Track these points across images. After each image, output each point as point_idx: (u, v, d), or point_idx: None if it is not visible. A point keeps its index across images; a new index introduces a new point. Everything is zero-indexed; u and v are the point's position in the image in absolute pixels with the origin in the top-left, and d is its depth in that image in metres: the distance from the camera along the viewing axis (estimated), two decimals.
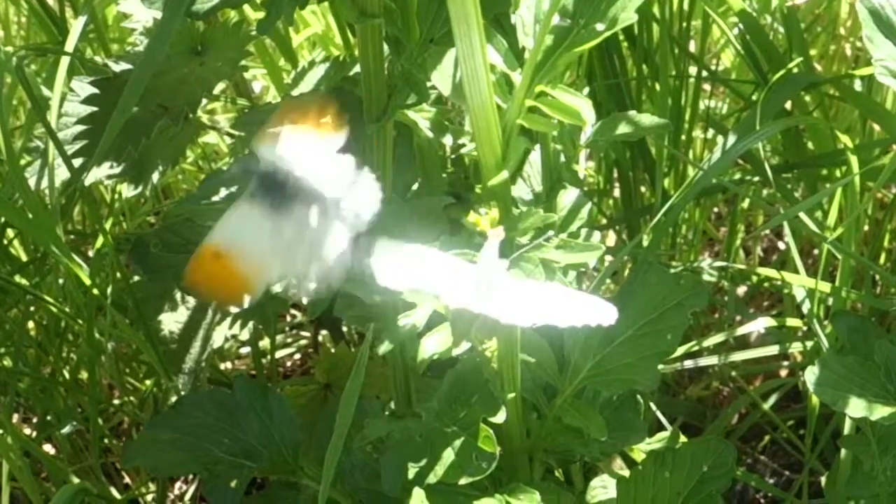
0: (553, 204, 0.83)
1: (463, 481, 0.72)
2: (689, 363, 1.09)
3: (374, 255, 0.63)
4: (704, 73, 1.19)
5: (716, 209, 1.40)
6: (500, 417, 0.73)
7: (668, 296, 0.78)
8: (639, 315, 0.79)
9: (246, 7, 1.11)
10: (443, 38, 0.74)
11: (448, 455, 0.73)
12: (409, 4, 0.73)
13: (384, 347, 0.73)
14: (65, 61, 0.94)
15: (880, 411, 0.76)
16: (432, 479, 0.73)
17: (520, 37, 0.68)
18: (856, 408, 0.75)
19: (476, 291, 0.62)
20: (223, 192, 0.77)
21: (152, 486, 1.16)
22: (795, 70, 1.02)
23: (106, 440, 1.16)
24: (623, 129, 0.81)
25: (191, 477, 1.19)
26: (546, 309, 0.62)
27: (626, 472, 0.88)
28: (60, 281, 1.10)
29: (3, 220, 0.99)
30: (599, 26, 0.64)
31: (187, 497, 1.17)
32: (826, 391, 0.76)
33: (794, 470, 1.18)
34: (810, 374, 0.77)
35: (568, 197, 0.85)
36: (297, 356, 1.32)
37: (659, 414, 1.05)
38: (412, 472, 0.74)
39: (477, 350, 0.75)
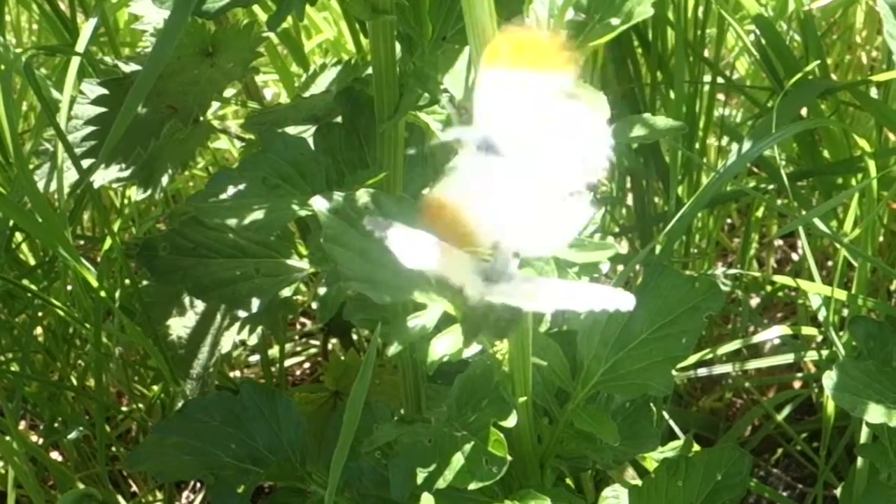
0: None
1: (472, 486, 0.71)
2: (702, 371, 1.08)
3: (391, 238, 0.61)
4: (719, 80, 1.18)
5: (729, 220, 1.39)
6: (510, 421, 0.72)
7: (683, 299, 0.77)
8: (653, 319, 0.77)
9: (257, 9, 1.10)
10: (455, 35, 0.73)
11: (458, 460, 0.72)
12: (422, 1, 0.73)
13: (393, 349, 0.72)
14: (75, 62, 0.93)
15: None
16: (441, 484, 0.71)
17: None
18: (874, 414, 0.74)
19: (491, 285, 0.61)
20: (231, 190, 0.77)
21: (159, 495, 1.15)
22: (811, 76, 1.02)
23: (113, 447, 1.15)
24: (638, 131, 0.80)
25: (198, 486, 1.18)
26: (565, 296, 0.60)
27: (638, 482, 0.87)
28: (69, 288, 1.10)
29: (11, 223, 0.98)
30: (614, 21, 0.63)
31: None
32: (844, 396, 0.75)
33: (807, 483, 1.17)
34: (828, 379, 0.76)
35: None
36: (307, 365, 1.31)
37: (672, 424, 1.04)
38: (421, 477, 0.73)
39: (488, 353, 0.73)
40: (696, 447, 0.92)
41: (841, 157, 1.11)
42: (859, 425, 0.92)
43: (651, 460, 0.91)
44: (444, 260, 0.61)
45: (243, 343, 1.03)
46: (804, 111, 1.06)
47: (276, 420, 0.87)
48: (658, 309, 0.77)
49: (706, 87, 1.15)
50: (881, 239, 1.21)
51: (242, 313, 0.93)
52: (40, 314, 1.11)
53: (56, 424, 1.11)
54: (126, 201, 1.19)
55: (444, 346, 0.70)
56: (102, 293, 0.94)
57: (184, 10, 0.72)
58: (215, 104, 1.03)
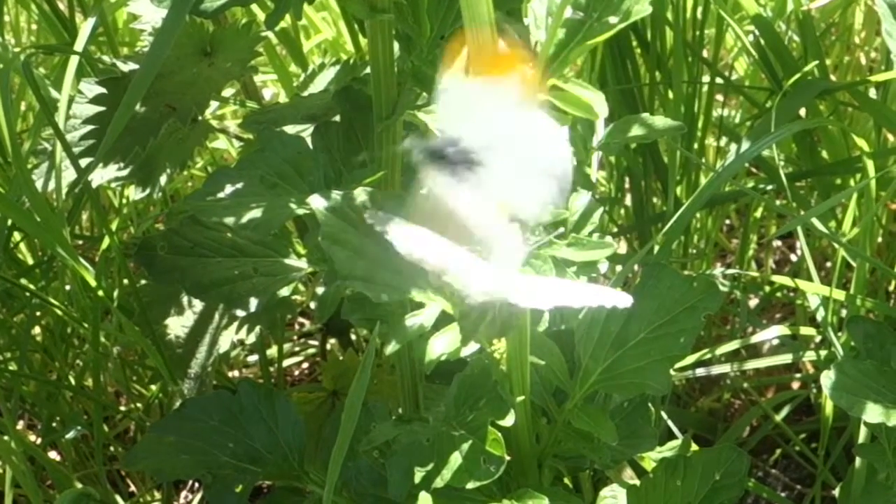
0: (564, 206, 0.82)
1: (470, 486, 0.71)
2: (700, 372, 1.08)
3: (392, 231, 0.61)
4: (718, 80, 1.18)
5: (727, 220, 1.39)
6: (508, 421, 0.72)
7: (681, 299, 0.77)
8: (651, 318, 0.77)
9: (256, 8, 1.10)
10: (454, 34, 0.73)
11: (455, 459, 0.72)
12: (420, 0, 0.72)
13: (391, 347, 0.72)
14: (73, 62, 0.93)
15: None
16: (439, 483, 0.71)
17: (531, 30, 0.67)
18: (872, 413, 0.74)
19: (490, 282, 0.60)
20: (229, 189, 0.76)
21: (157, 494, 1.15)
22: (810, 77, 1.02)
23: (112, 447, 1.15)
24: (636, 131, 0.80)
25: (196, 485, 1.18)
26: (562, 293, 0.60)
27: (636, 482, 0.87)
28: (67, 287, 1.09)
29: (10, 222, 0.98)
30: (613, 19, 0.63)
31: None
32: (842, 396, 0.75)
33: (805, 484, 1.17)
34: (826, 379, 0.76)
35: (580, 201, 0.84)
36: (305, 365, 1.31)
37: (671, 424, 1.04)
38: (419, 476, 0.72)
39: (486, 352, 0.73)
40: (695, 447, 0.92)
41: (839, 158, 1.11)
42: (858, 425, 0.92)
43: (649, 460, 0.91)
44: (443, 255, 0.61)
45: (241, 343, 1.03)
46: (803, 111, 1.06)
47: (274, 420, 0.87)
48: (656, 308, 0.77)
49: (705, 88, 1.15)
50: (879, 239, 1.21)
51: (241, 313, 0.93)
52: (38, 313, 1.11)
53: (54, 424, 1.11)
54: (124, 201, 1.19)
55: (442, 345, 0.70)
56: (101, 292, 0.94)
57: (181, 9, 0.71)
58: (214, 104, 1.03)
